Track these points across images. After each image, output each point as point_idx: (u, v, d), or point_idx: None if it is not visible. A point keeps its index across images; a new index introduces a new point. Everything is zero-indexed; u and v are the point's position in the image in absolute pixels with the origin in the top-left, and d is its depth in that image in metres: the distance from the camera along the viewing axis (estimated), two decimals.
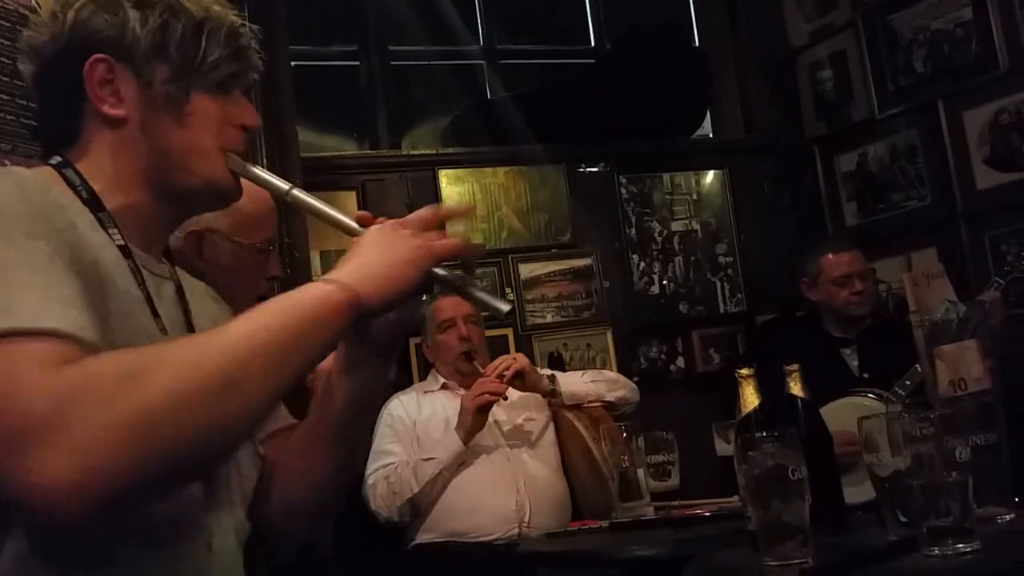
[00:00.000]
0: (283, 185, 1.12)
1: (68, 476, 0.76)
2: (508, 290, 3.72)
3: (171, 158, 1.06)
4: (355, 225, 1.08)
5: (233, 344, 0.85)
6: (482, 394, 2.75)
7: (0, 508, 0.83)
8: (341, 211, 1.10)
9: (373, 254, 1.00)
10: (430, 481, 2.75)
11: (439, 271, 1.04)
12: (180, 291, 1.12)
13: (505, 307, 1.09)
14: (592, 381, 3.01)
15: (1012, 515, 1.50)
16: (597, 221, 3.90)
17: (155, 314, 1.01)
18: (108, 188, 1.04)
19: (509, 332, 3.67)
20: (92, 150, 1.06)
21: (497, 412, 2.86)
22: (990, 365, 1.69)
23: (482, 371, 2.87)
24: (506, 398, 2.80)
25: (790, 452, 1.39)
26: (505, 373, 2.82)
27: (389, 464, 2.81)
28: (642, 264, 3.95)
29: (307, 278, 3.01)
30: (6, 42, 1.99)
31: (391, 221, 1.05)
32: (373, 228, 1.04)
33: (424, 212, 1.06)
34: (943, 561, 1.28)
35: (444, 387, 3.01)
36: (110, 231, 1.00)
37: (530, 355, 3.67)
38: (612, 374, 3.16)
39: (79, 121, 1.06)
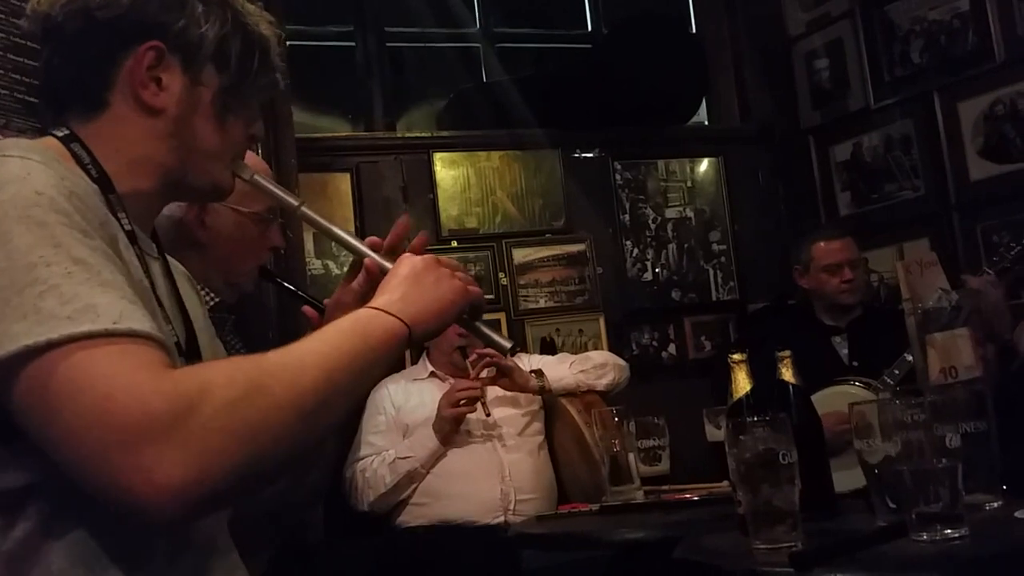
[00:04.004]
0: (293, 201, 1.19)
1: (183, 477, 0.79)
2: (501, 275, 3.72)
3: (194, 158, 1.07)
4: (367, 250, 1.17)
5: (323, 366, 0.91)
6: (458, 403, 2.76)
7: (14, 489, 0.85)
8: (349, 233, 1.20)
9: (421, 290, 1.07)
10: (404, 477, 2.77)
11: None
12: (166, 270, 1.12)
13: (508, 344, 1.21)
14: (581, 371, 3.01)
15: (1000, 502, 1.52)
16: (591, 207, 3.90)
17: (159, 303, 1.01)
18: (120, 171, 1.02)
19: (502, 316, 3.68)
20: (115, 130, 1.03)
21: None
22: (980, 353, 1.70)
23: (471, 371, 2.86)
24: (488, 414, 2.81)
25: (781, 437, 1.39)
26: (482, 375, 2.83)
27: (366, 457, 2.82)
28: (635, 251, 3.95)
29: (300, 257, 3.01)
30: None
31: (426, 256, 1.11)
32: (406, 258, 1.11)
33: (453, 261, 1.15)
34: (931, 546, 1.29)
35: (433, 375, 3.01)
36: (119, 214, 0.99)
37: (522, 340, 3.68)
38: (599, 356, 3.15)
39: (108, 94, 1.03)
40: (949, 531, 1.29)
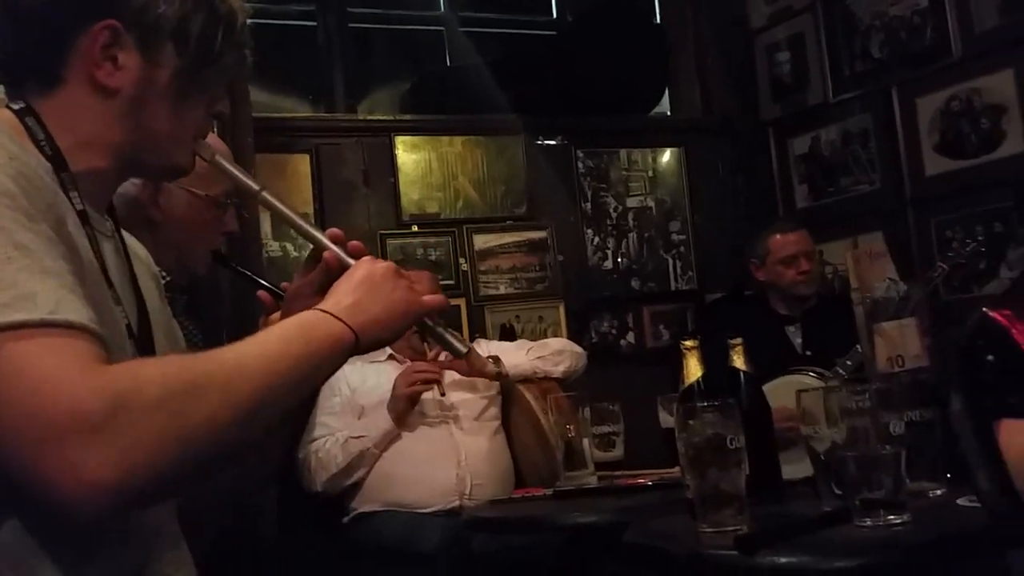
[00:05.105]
0: (253, 185, 1.17)
1: (110, 475, 0.78)
2: (462, 260, 3.71)
3: (151, 139, 1.05)
4: (327, 242, 1.13)
5: (264, 370, 0.90)
6: (414, 383, 2.76)
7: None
8: (309, 223, 1.17)
9: (374, 297, 1.04)
10: (356, 457, 2.76)
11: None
12: (121, 250, 1.09)
13: (464, 349, 1.20)
14: (538, 358, 3.02)
15: (943, 490, 1.55)
16: (553, 194, 3.90)
17: (109, 284, 0.99)
18: (74, 149, 1.00)
19: (462, 302, 3.67)
20: (69, 107, 1.01)
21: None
22: (927, 343, 1.73)
23: (429, 353, 2.86)
24: (443, 393, 2.81)
25: (729, 422, 1.41)
26: (440, 358, 2.82)
27: (320, 439, 2.80)
28: (596, 239, 3.97)
29: (257, 239, 2.98)
30: None
31: (386, 263, 1.08)
32: (365, 261, 1.08)
33: (419, 272, 1.14)
34: (874, 531, 1.32)
35: (391, 358, 2.99)
36: (70, 193, 0.97)
37: (482, 326, 3.68)
38: (556, 343, 3.17)
39: (63, 72, 1.00)
40: (892, 517, 1.32)
